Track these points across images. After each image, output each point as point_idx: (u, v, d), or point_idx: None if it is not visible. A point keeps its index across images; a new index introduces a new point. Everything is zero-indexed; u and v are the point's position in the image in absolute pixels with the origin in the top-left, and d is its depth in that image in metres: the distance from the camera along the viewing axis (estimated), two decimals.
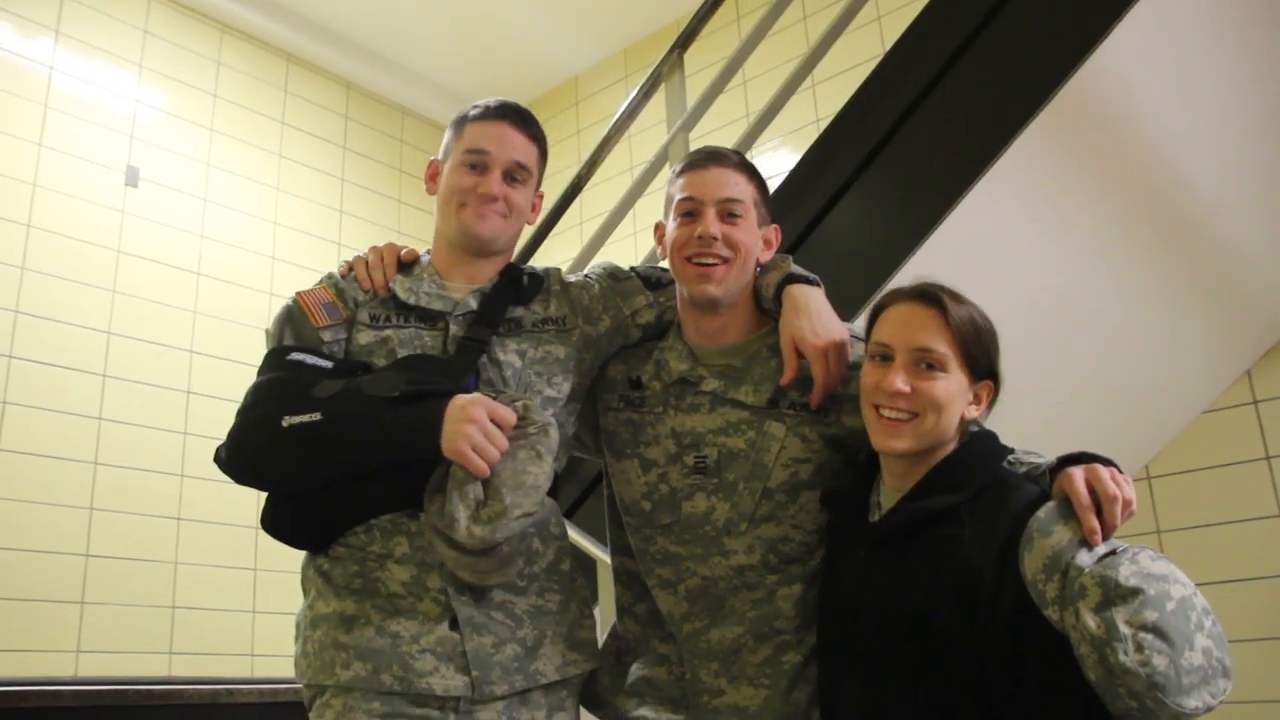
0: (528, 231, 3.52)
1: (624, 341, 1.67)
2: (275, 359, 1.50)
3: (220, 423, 1.49)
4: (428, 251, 1.66)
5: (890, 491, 1.42)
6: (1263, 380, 3.41)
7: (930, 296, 1.37)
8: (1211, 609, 1.15)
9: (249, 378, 1.50)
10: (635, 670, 1.57)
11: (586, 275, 1.71)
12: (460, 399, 1.39)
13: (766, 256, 1.61)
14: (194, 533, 4.19)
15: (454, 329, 1.53)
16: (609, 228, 2.91)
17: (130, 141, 4.42)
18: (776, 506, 1.50)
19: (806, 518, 1.51)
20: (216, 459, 1.48)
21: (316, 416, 1.38)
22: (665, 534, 1.53)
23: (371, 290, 1.57)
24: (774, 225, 1.62)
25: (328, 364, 1.47)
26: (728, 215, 1.54)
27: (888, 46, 2.38)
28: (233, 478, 1.48)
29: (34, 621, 3.71)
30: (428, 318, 1.55)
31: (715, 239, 1.51)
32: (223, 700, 2.05)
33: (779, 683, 1.46)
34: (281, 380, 1.46)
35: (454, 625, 1.42)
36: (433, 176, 1.65)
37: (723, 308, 1.56)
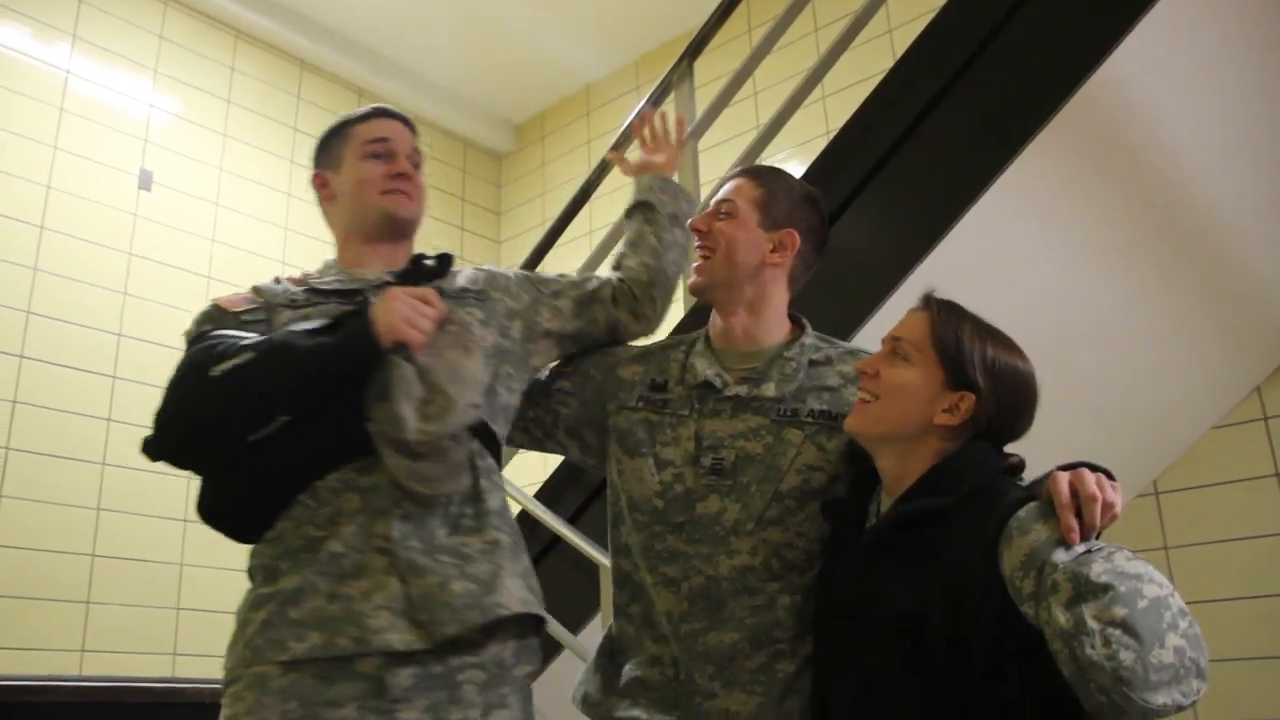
0: (536, 237, 3.54)
1: (560, 322, 1.72)
2: (194, 342, 1.49)
3: None
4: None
5: (889, 500, 1.44)
6: (1273, 396, 3.39)
7: (926, 300, 1.50)
8: (1189, 612, 1.14)
9: None
10: (628, 671, 1.57)
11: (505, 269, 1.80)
12: (378, 299, 1.44)
13: (778, 259, 1.63)
14: (200, 534, 4.15)
15: (373, 299, 1.52)
16: (616, 236, 2.92)
17: (144, 145, 4.46)
18: (785, 511, 1.52)
19: (811, 527, 1.53)
20: (145, 449, 1.43)
21: (248, 356, 1.38)
22: (676, 532, 1.55)
23: (286, 290, 1.59)
24: (788, 230, 1.64)
25: (249, 336, 1.45)
26: (720, 214, 1.65)
27: None
28: (166, 458, 1.44)
29: (40, 620, 3.74)
30: (346, 294, 1.57)
31: (698, 230, 1.66)
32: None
33: (772, 691, 1.47)
34: (201, 349, 1.43)
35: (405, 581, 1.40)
36: (325, 185, 1.68)
37: (713, 298, 1.66)
